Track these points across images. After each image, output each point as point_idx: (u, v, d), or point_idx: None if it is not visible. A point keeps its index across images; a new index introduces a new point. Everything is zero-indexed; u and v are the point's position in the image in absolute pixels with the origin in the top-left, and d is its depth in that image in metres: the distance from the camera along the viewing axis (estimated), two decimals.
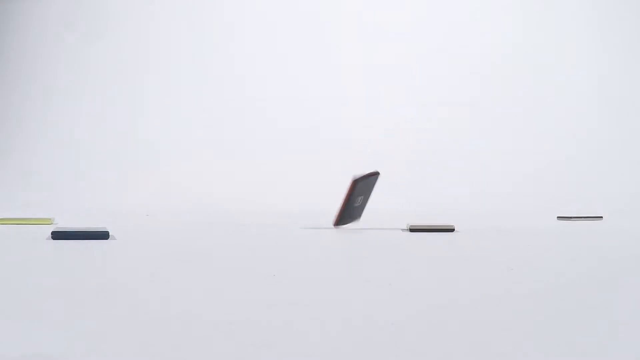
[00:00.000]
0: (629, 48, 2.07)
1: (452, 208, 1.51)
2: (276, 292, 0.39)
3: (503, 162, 1.88)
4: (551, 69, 2.06)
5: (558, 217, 1.17)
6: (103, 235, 0.69)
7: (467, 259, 0.59)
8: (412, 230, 0.86)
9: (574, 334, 0.28)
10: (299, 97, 2.03)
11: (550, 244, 0.73)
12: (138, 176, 1.89)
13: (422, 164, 1.81)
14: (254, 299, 0.36)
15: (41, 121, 2.09)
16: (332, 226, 0.92)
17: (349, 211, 0.90)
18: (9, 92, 2.17)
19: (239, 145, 1.94)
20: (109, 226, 0.75)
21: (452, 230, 0.85)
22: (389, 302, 0.36)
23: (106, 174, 1.92)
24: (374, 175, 0.93)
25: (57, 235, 0.69)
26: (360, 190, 0.90)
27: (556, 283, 0.43)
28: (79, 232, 0.71)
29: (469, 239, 0.76)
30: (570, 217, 1.14)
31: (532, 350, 0.25)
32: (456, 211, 1.41)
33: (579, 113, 1.99)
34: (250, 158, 1.92)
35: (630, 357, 0.24)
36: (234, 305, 0.34)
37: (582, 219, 1.13)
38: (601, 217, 1.16)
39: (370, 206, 0.96)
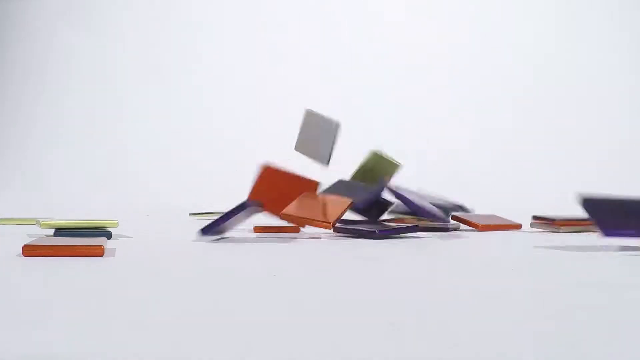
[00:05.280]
0: (627, 48, 2.07)
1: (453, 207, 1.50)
2: (276, 292, 0.39)
3: (503, 161, 1.88)
4: (553, 66, 2.06)
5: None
6: (105, 235, 0.69)
7: (467, 259, 0.59)
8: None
9: (574, 334, 0.28)
10: (300, 96, 2.03)
11: (551, 243, 0.73)
12: (138, 176, 1.90)
13: (423, 163, 1.82)
14: (254, 299, 0.36)
15: (41, 121, 2.09)
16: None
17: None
18: (7, 91, 2.17)
19: (238, 145, 1.94)
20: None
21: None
22: (389, 302, 0.36)
23: (106, 173, 1.92)
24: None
25: (59, 235, 0.70)
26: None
27: (557, 283, 0.44)
28: (81, 231, 0.71)
29: (470, 238, 0.76)
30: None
31: (532, 350, 0.25)
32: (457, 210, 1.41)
33: (578, 112, 1.99)
34: (251, 158, 1.92)
35: (632, 358, 0.24)
36: (234, 305, 0.35)
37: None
38: None
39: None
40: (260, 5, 2.13)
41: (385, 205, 0.87)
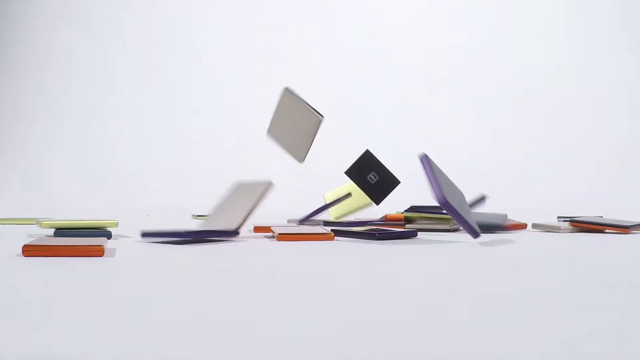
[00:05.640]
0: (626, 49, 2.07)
1: None
2: (276, 292, 0.39)
3: (504, 161, 1.88)
4: (555, 68, 2.06)
5: (558, 218, 1.17)
6: (105, 235, 0.69)
7: (469, 259, 0.59)
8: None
9: (575, 334, 0.28)
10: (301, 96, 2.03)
11: (552, 243, 0.73)
12: (138, 176, 1.90)
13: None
14: (254, 299, 0.36)
15: (41, 121, 2.09)
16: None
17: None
18: (8, 92, 2.17)
19: (238, 145, 1.94)
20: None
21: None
22: (389, 302, 0.36)
23: (107, 173, 1.92)
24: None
25: (60, 235, 0.70)
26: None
27: (558, 283, 0.44)
28: (81, 231, 0.71)
29: (471, 238, 0.76)
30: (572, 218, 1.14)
31: (533, 350, 0.25)
32: None
33: (578, 111, 1.99)
34: (250, 159, 1.92)
35: (632, 358, 0.24)
36: (234, 305, 0.35)
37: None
38: (601, 217, 1.16)
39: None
40: (260, 6, 2.13)
41: (392, 182, 0.87)
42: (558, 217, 1.17)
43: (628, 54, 2.04)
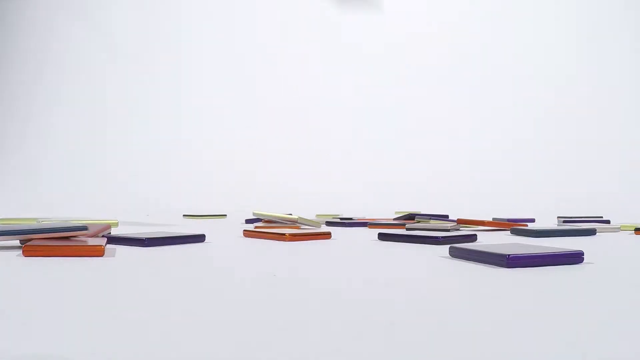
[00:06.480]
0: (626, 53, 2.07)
1: (458, 209, 1.50)
2: (276, 292, 0.39)
3: (505, 163, 1.89)
4: (564, 79, 2.07)
5: (558, 218, 1.17)
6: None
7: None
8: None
9: (574, 334, 0.28)
10: (296, 103, 2.03)
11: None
12: (139, 176, 1.90)
13: (422, 169, 1.81)
14: (254, 299, 0.36)
15: (41, 122, 2.09)
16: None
17: None
18: (8, 92, 2.17)
19: (239, 146, 1.94)
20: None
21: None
22: (389, 302, 0.36)
23: (107, 173, 1.92)
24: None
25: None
26: None
27: (558, 283, 0.44)
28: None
29: (470, 240, 0.76)
30: (572, 218, 1.14)
31: (533, 351, 0.25)
32: (461, 212, 1.41)
33: (576, 115, 1.99)
34: (247, 166, 1.93)
35: (632, 358, 0.24)
36: (234, 305, 0.35)
37: (584, 220, 1.13)
38: (601, 216, 1.16)
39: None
40: (259, 9, 2.13)
41: None
42: (558, 218, 1.18)
43: (630, 55, 2.04)
